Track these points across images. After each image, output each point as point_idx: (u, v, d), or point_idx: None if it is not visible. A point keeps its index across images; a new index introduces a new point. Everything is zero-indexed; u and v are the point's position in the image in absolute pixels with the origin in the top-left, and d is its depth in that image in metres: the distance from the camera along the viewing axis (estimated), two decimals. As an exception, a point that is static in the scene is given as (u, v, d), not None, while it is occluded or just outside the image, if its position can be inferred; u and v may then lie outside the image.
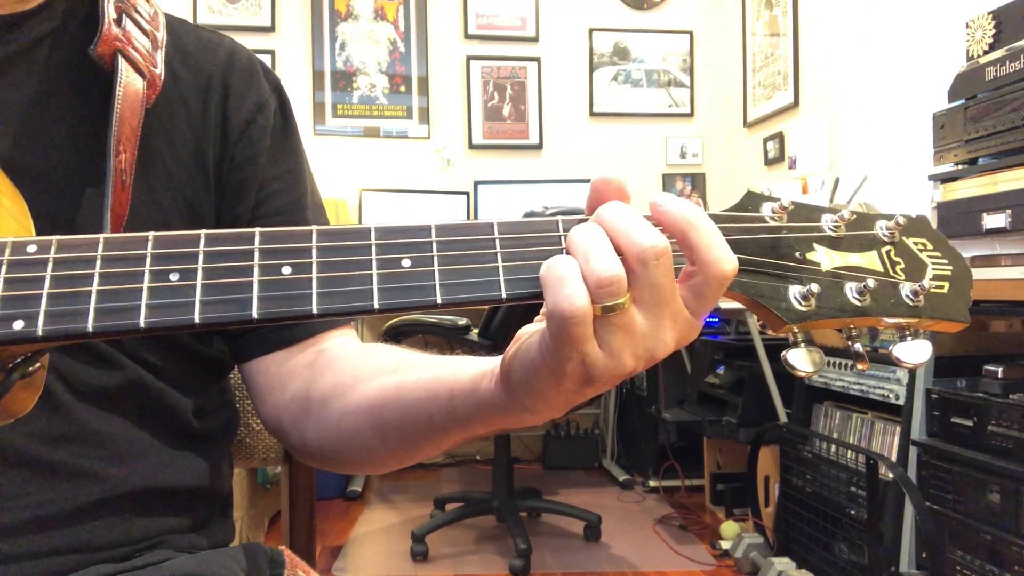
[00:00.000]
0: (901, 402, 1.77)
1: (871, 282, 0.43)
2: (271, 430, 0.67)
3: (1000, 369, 1.52)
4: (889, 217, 0.46)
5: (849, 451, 1.89)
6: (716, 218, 0.43)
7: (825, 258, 0.44)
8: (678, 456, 2.96)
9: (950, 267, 0.46)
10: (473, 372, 0.47)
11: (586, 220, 0.41)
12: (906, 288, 0.44)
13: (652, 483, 3.02)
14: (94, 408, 0.55)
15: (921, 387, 1.68)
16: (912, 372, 1.71)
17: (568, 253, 0.39)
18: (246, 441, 0.86)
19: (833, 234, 0.44)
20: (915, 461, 1.67)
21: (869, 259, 0.44)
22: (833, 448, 1.97)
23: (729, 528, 2.37)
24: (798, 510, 2.06)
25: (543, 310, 0.39)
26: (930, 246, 0.46)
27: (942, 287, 0.45)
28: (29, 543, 0.51)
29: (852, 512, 1.84)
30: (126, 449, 0.56)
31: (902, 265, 0.45)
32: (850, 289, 0.43)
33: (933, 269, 0.45)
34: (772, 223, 0.44)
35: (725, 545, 2.27)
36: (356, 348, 0.64)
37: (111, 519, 0.55)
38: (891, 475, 1.67)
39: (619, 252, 0.38)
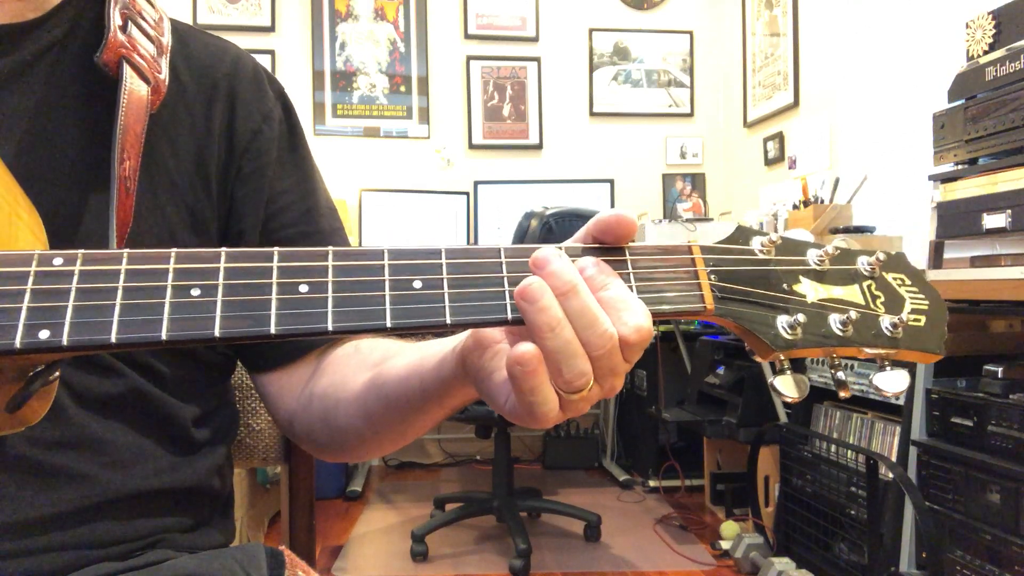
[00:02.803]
0: (901, 402, 1.77)
1: (853, 314, 0.46)
2: (286, 432, 0.70)
3: (1000, 369, 1.52)
4: (870, 253, 0.49)
5: (849, 451, 1.90)
6: (709, 249, 0.46)
7: (811, 290, 0.47)
8: (678, 456, 2.97)
9: (926, 301, 0.49)
10: (438, 356, 0.51)
11: (576, 247, 0.44)
12: (886, 320, 0.47)
13: (652, 483, 3.02)
14: (95, 415, 0.55)
15: (921, 387, 1.68)
16: (912, 372, 1.71)
17: (540, 347, 0.40)
18: (246, 441, 0.86)
19: (818, 268, 0.48)
20: (915, 461, 1.67)
21: (851, 292, 0.48)
22: (833, 448, 1.97)
23: (729, 528, 2.37)
24: (798, 510, 2.06)
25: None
26: (908, 281, 0.49)
27: (919, 320, 0.48)
28: (29, 542, 0.52)
29: (852, 512, 1.84)
30: (127, 455, 0.57)
31: (882, 299, 0.48)
32: (834, 320, 0.46)
33: (911, 303, 0.48)
34: (761, 256, 0.47)
35: (725, 545, 2.28)
36: (348, 348, 0.67)
37: (111, 519, 0.56)
38: (891, 475, 1.67)
39: (581, 343, 0.40)
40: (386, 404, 0.56)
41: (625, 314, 0.41)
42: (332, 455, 0.67)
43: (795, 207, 2.50)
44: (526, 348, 0.39)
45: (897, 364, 0.47)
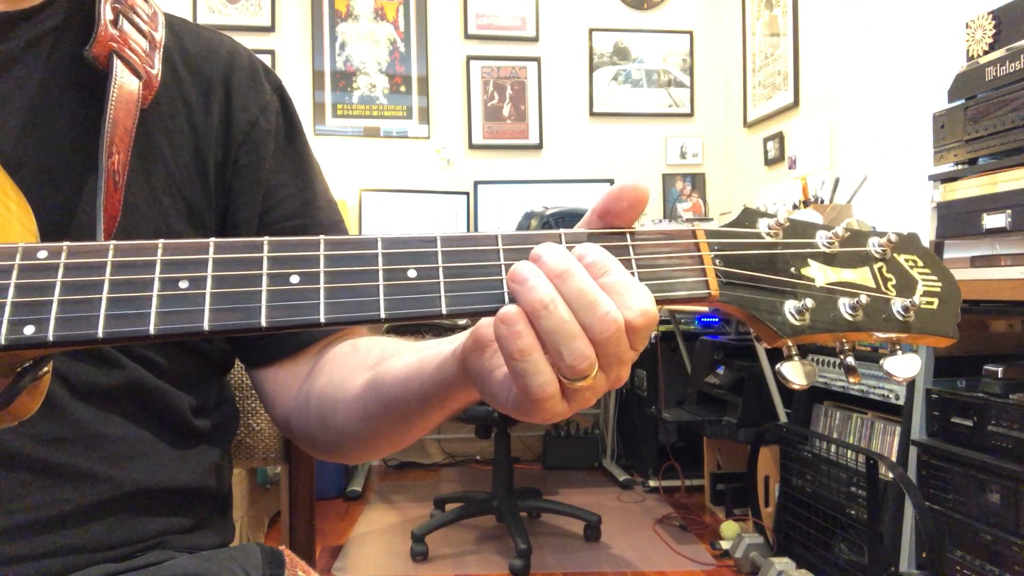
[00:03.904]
0: (901, 402, 1.77)
1: (864, 298, 0.44)
2: (283, 431, 0.70)
3: (1000, 369, 1.52)
4: (881, 234, 0.47)
5: (849, 451, 1.89)
6: (714, 233, 0.45)
7: (819, 273, 0.45)
8: (678, 456, 2.97)
9: (939, 284, 0.47)
10: (437, 360, 0.50)
11: (576, 233, 0.43)
12: (897, 304, 0.45)
13: (652, 483, 3.02)
14: (93, 408, 0.55)
15: (921, 387, 1.68)
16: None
17: (537, 328, 0.39)
18: (246, 441, 0.86)
19: (827, 250, 0.46)
20: (915, 461, 1.67)
21: (862, 275, 0.46)
22: (833, 448, 1.97)
23: (729, 528, 2.37)
24: (798, 510, 2.06)
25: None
26: (920, 263, 0.48)
27: (932, 303, 0.46)
28: (30, 545, 0.51)
29: (852, 512, 1.84)
30: (125, 449, 0.57)
31: (893, 281, 0.46)
32: (843, 304, 0.45)
33: (923, 285, 0.47)
34: (768, 239, 0.45)
35: (725, 545, 2.28)
36: (346, 347, 0.66)
37: (111, 520, 0.55)
38: (891, 475, 1.67)
39: (582, 325, 0.39)
40: (385, 406, 0.55)
41: (628, 298, 0.39)
42: (330, 455, 0.66)
43: (795, 207, 2.50)
44: (509, 307, 0.39)
45: (908, 348, 0.45)
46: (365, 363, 0.60)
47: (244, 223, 0.65)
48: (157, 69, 0.59)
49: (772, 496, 2.30)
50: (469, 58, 3.64)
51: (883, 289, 0.46)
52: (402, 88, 3.59)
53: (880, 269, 0.46)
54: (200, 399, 0.64)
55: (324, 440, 0.64)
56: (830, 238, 0.46)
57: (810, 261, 0.45)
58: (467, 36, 3.63)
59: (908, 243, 0.48)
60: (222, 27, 3.38)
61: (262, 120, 0.66)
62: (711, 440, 2.73)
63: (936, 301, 0.46)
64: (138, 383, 0.58)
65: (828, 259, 0.46)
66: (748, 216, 0.46)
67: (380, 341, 0.64)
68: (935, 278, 0.47)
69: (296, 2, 3.54)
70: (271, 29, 3.50)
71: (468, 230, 3.45)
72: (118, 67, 0.55)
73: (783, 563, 1.97)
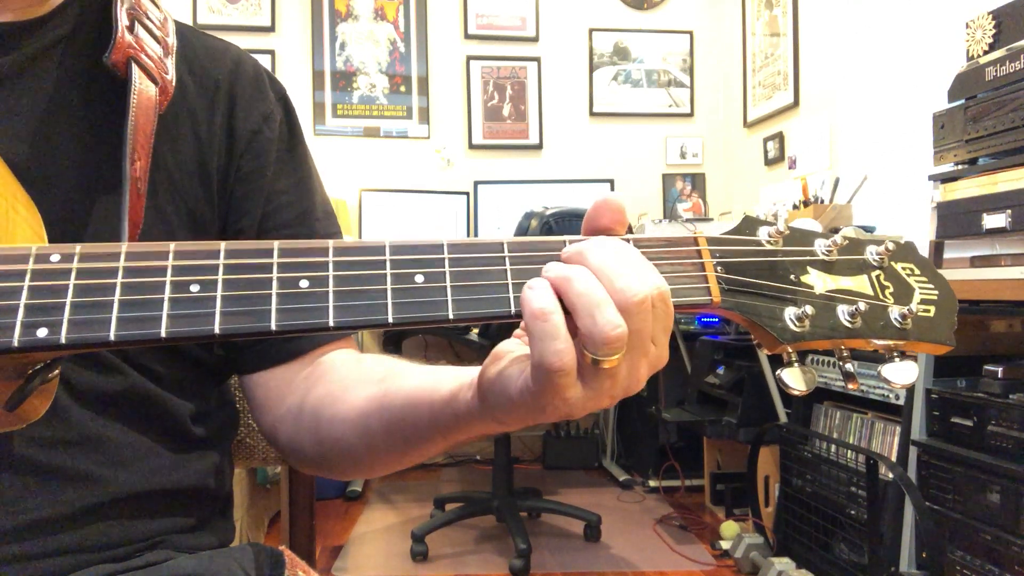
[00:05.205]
0: (901, 402, 1.77)
1: (862, 305, 0.45)
2: (269, 440, 0.68)
3: (1000, 369, 1.52)
4: (879, 242, 0.48)
5: (849, 451, 1.89)
6: (715, 240, 0.45)
7: (819, 281, 0.46)
8: (678, 456, 2.97)
9: (936, 292, 0.48)
10: (452, 385, 0.49)
11: (581, 240, 0.43)
12: (895, 311, 0.46)
13: (652, 483, 3.02)
14: (94, 413, 0.55)
15: (921, 387, 1.68)
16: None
17: (562, 299, 0.39)
18: (246, 441, 0.86)
19: (826, 258, 0.47)
20: (915, 461, 1.67)
21: (860, 283, 0.47)
22: (833, 448, 1.97)
23: (729, 528, 2.37)
24: (798, 510, 2.06)
25: (523, 325, 0.40)
26: (917, 271, 0.49)
27: (928, 311, 0.47)
28: (29, 545, 0.52)
29: (852, 512, 1.84)
30: (126, 453, 0.57)
31: (891, 289, 0.47)
32: (842, 311, 0.45)
33: (920, 293, 0.48)
34: (769, 247, 0.46)
35: (725, 545, 2.28)
36: (348, 358, 0.65)
37: (111, 520, 0.55)
38: (891, 475, 1.67)
39: (612, 291, 0.39)
40: (389, 425, 0.54)
41: (646, 275, 0.40)
42: (317, 469, 0.65)
43: (795, 207, 2.50)
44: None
45: (905, 355, 0.46)
46: (371, 377, 0.59)
47: (246, 229, 0.65)
48: (171, 75, 0.59)
49: (772, 496, 2.30)
50: (469, 58, 3.64)
51: (881, 297, 0.47)
52: (402, 88, 3.59)
53: (878, 277, 0.47)
54: (199, 406, 0.63)
55: (314, 453, 0.62)
56: (829, 246, 0.47)
57: (809, 268, 0.46)
58: (467, 36, 3.63)
59: (905, 251, 0.49)
60: (222, 27, 3.38)
61: (265, 129, 0.66)
62: (711, 440, 2.73)
63: (933, 309, 0.47)
64: (138, 390, 0.58)
65: (827, 267, 0.47)
66: (749, 224, 0.47)
67: (385, 357, 0.62)
68: (931, 286, 0.48)
69: (296, 2, 3.53)
70: (271, 29, 3.49)
71: (468, 230, 3.45)
72: (136, 73, 0.55)
73: (783, 563, 1.98)
